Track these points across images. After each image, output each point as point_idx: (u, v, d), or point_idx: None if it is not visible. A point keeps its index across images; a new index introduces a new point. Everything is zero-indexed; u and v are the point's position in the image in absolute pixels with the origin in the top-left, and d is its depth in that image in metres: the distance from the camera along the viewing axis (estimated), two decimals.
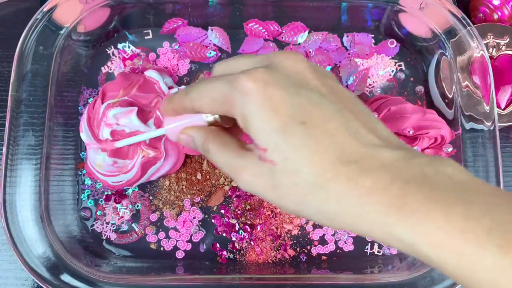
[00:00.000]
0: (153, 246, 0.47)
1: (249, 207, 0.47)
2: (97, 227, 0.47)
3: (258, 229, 0.47)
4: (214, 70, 0.28)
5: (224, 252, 0.47)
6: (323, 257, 0.47)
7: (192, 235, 0.47)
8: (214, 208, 0.47)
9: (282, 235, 0.47)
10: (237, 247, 0.47)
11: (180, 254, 0.47)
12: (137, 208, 0.47)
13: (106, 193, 0.47)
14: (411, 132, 0.44)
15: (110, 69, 0.50)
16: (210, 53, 0.50)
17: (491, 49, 0.50)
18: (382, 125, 0.24)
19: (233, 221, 0.47)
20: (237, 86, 0.23)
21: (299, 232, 0.47)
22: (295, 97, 0.23)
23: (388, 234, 0.21)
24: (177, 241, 0.47)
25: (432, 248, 0.20)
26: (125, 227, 0.47)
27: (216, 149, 0.27)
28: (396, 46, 0.51)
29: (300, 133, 0.22)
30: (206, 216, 0.47)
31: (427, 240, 0.20)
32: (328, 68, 0.51)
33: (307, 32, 0.51)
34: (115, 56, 0.50)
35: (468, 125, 0.44)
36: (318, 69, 0.25)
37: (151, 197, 0.47)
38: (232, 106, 0.24)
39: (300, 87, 0.23)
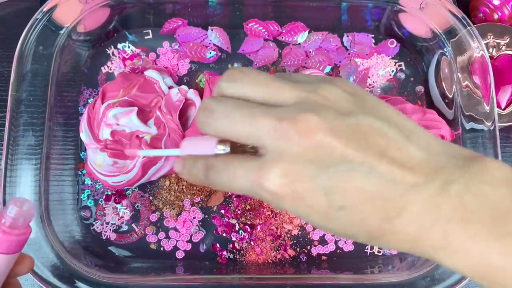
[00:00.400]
0: (153, 246, 0.47)
1: (249, 207, 0.47)
2: (97, 227, 0.47)
3: (258, 229, 0.47)
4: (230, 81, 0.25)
5: (224, 252, 0.47)
6: (323, 257, 0.47)
7: (192, 235, 0.47)
8: (214, 208, 0.47)
9: (282, 235, 0.47)
10: (237, 247, 0.47)
11: (180, 254, 0.47)
12: (137, 208, 0.47)
13: (106, 193, 0.47)
14: None
15: (110, 69, 0.50)
16: (210, 53, 0.50)
17: (491, 49, 0.50)
18: (415, 142, 0.22)
19: (233, 221, 0.47)
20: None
21: (299, 232, 0.47)
22: (325, 184, 0.21)
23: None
24: (177, 241, 0.47)
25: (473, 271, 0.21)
26: (125, 227, 0.47)
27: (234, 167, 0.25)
28: (396, 46, 0.51)
29: (342, 218, 0.22)
30: (206, 216, 0.47)
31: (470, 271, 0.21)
32: (328, 68, 0.51)
33: (307, 32, 0.51)
34: (115, 56, 0.50)
35: (468, 125, 0.44)
36: (336, 120, 0.22)
37: (151, 197, 0.47)
38: (260, 147, 0.23)
39: (326, 167, 0.22)
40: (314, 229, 0.47)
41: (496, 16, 0.52)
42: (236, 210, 0.47)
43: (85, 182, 0.47)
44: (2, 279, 0.27)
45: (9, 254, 0.26)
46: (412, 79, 0.51)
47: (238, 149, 0.26)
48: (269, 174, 0.22)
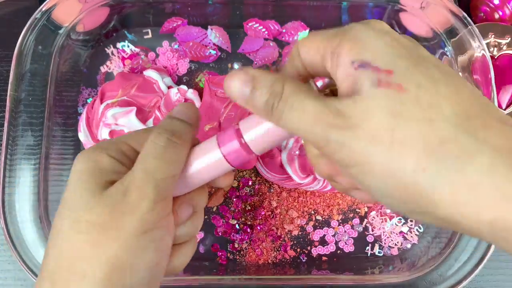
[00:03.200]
0: None
1: (249, 208, 0.47)
2: None
3: (258, 230, 0.47)
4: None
5: (224, 253, 0.46)
6: (324, 258, 0.47)
7: None
8: (214, 209, 0.47)
9: (282, 236, 0.47)
10: (237, 247, 0.47)
11: None
12: None
13: None
14: None
15: (109, 69, 0.50)
16: (210, 52, 0.49)
17: (492, 48, 0.50)
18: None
19: (233, 221, 0.47)
20: (361, 22, 0.21)
21: (299, 233, 0.47)
22: (422, 49, 0.20)
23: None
24: None
25: None
26: None
27: (301, 97, 0.20)
28: None
29: (434, 73, 0.19)
30: (205, 216, 0.47)
31: None
32: None
33: (307, 31, 0.51)
34: (114, 56, 0.50)
35: None
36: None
37: None
38: (342, 34, 0.20)
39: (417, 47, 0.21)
40: (314, 229, 0.47)
41: (497, 16, 0.51)
42: (236, 210, 0.47)
43: None
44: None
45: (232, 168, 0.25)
46: None
47: None
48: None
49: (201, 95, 0.48)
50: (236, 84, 0.21)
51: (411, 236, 0.47)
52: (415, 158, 0.17)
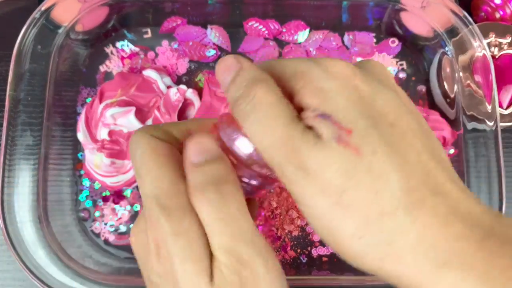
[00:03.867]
0: None
1: None
2: (95, 228, 0.46)
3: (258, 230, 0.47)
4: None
5: None
6: (324, 259, 0.47)
7: None
8: None
9: (282, 236, 0.47)
10: None
11: None
12: (136, 209, 0.47)
13: (104, 193, 0.47)
14: None
15: (109, 68, 0.50)
16: (210, 52, 0.49)
17: (493, 48, 0.49)
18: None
19: None
20: (323, 64, 0.20)
21: (300, 233, 0.47)
22: (381, 95, 0.20)
23: None
24: None
25: None
26: (123, 228, 0.46)
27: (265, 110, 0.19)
28: (397, 45, 0.51)
29: (389, 136, 0.19)
30: None
31: None
32: None
33: (307, 30, 0.51)
34: (114, 55, 0.50)
35: (470, 125, 0.44)
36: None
37: None
38: (304, 78, 0.20)
39: (383, 85, 0.20)
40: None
41: (498, 15, 0.51)
42: None
43: (83, 183, 0.47)
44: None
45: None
46: (413, 78, 0.51)
47: None
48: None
49: (200, 95, 0.48)
50: (221, 68, 0.21)
51: None
52: (355, 225, 0.18)
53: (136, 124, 0.43)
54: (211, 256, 0.20)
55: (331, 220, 0.19)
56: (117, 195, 0.47)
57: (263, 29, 0.50)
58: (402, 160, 0.18)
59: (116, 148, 0.44)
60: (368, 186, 0.18)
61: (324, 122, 0.19)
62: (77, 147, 0.47)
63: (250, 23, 0.50)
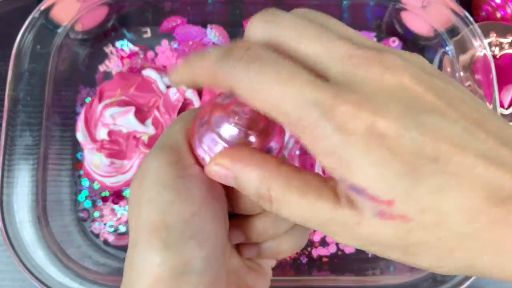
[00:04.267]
0: None
1: None
2: (95, 229, 0.46)
3: None
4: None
5: None
6: (324, 259, 0.47)
7: None
8: None
9: None
10: None
11: None
12: None
13: (103, 194, 0.47)
14: None
15: (108, 68, 0.49)
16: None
17: (493, 48, 0.49)
18: (507, 125, 0.19)
19: None
20: (332, 119, 0.16)
21: None
22: (414, 129, 0.16)
23: None
24: None
25: None
26: (123, 229, 0.46)
27: (292, 200, 0.18)
28: (398, 44, 0.51)
29: (435, 174, 0.16)
30: None
31: None
32: None
33: None
34: (113, 55, 0.50)
35: None
36: (422, 73, 0.18)
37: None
38: (314, 135, 0.17)
39: (414, 112, 0.17)
40: (314, 230, 0.47)
41: (498, 15, 0.51)
42: None
43: (83, 183, 0.47)
44: None
45: None
46: None
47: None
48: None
49: (200, 95, 0.48)
50: (220, 168, 0.20)
51: None
52: (428, 264, 0.18)
53: (135, 124, 0.43)
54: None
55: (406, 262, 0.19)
56: (117, 195, 0.46)
57: None
58: (457, 194, 0.17)
59: (115, 148, 0.44)
60: (428, 241, 0.17)
61: (360, 197, 0.17)
62: (76, 147, 0.47)
63: None
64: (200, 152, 0.21)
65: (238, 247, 0.26)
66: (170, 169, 0.21)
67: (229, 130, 0.20)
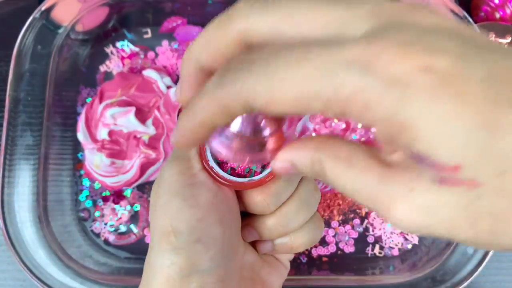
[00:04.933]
0: None
1: None
2: (95, 228, 0.46)
3: None
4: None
5: None
6: (324, 259, 0.47)
7: None
8: None
9: None
10: None
11: None
12: (136, 209, 0.47)
13: (104, 193, 0.47)
14: None
15: (109, 68, 0.50)
16: None
17: None
18: None
19: None
20: (376, 72, 0.13)
21: None
22: (479, 65, 0.13)
23: None
24: None
25: None
26: (123, 228, 0.46)
27: (341, 171, 0.17)
28: None
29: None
30: None
31: None
32: None
33: None
34: (114, 55, 0.50)
35: None
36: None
37: (150, 198, 0.47)
38: (360, 103, 0.14)
39: (474, 49, 0.14)
40: None
41: (497, 15, 0.51)
42: None
43: (83, 183, 0.47)
44: None
45: None
46: None
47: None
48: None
49: None
50: (280, 167, 0.19)
51: (412, 237, 0.47)
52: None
53: (136, 124, 0.43)
54: None
55: None
56: (117, 195, 0.47)
57: None
58: None
59: (116, 148, 0.44)
60: (506, 209, 0.14)
61: (417, 165, 0.15)
62: (77, 147, 0.47)
63: None
64: (216, 146, 0.21)
65: (254, 243, 0.27)
66: (180, 177, 0.23)
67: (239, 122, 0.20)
